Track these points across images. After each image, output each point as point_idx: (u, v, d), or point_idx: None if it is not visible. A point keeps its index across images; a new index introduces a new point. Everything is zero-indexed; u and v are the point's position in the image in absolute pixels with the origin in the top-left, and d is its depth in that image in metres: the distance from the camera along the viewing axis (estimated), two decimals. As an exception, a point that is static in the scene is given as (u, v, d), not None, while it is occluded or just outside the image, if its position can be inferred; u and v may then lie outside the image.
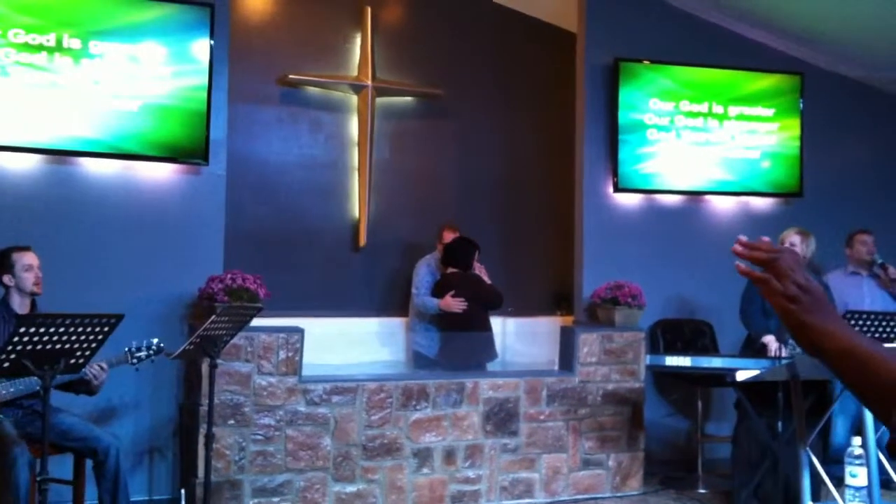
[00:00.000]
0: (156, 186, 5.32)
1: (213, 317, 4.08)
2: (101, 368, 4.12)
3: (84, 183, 5.17)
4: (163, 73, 5.24)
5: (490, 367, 6.15)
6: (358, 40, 6.81)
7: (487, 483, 5.34)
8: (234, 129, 5.92)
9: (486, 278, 6.16)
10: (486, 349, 6.14)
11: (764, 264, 1.20)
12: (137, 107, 5.18)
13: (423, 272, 6.25)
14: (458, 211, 7.12)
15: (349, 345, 6.50)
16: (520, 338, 7.03)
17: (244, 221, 6.31)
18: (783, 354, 4.93)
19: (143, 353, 4.32)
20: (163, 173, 5.33)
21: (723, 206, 6.79)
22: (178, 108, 5.26)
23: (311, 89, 6.71)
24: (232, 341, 4.48)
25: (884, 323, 4.70)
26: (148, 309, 5.08)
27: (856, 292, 5.86)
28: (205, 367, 4.47)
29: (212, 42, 5.34)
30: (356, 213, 6.78)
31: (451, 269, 6.05)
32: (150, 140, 5.21)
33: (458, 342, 6.05)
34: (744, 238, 1.22)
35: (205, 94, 5.30)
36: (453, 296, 5.91)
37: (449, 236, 6.24)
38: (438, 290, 6.03)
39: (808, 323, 1.16)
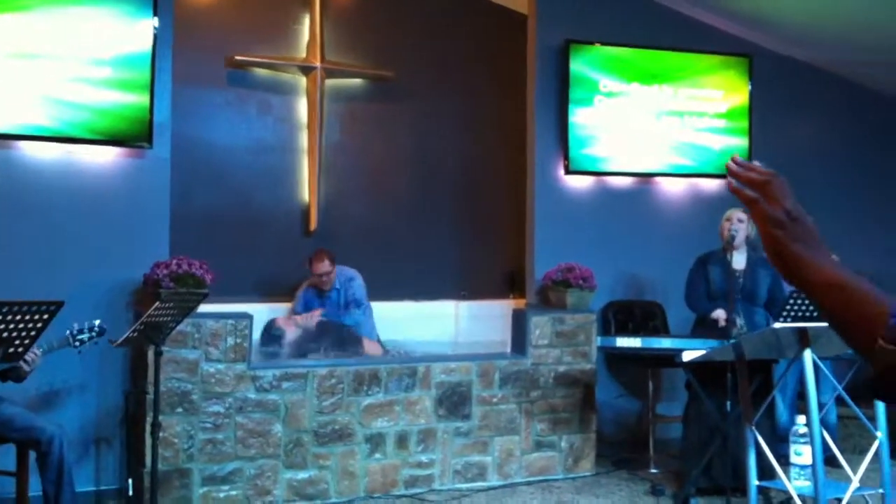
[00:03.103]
0: (99, 170, 5.19)
1: (157, 303, 4.00)
2: (36, 355, 3.98)
3: (24, 168, 5.03)
4: (105, 54, 5.10)
5: (443, 350, 6.13)
6: (307, 21, 6.71)
7: (440, 467, 5.34)
8: (180, 112, 5.80)
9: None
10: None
11: (755, 186, 1.17)
12: (78, 89, 5.05)
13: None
14: (411, 193, 7.09)
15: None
16: (473, 321, 7.02)
17: (191, 206, 6.20)
18: (737, 326, 4.99)
19: (84, 336, 4.21)
20: (106, 157, 5.20)
21: (672, 187, 6.83)
22: (120, 90, 5.13)
23: (260, 71, 6.60)
24: (179, 328, 4.41)
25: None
26: (92, 295, 4.97)
27: None
28: (150, 355, 4.38)
29: (155, 23, 5.21)
30: (306, 196, 6.70)
31: None
32: (92, 123, 5.07)
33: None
34: (738, 157, 1.21)
35: (148, 76, 5.17)
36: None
37: (318, 268, 6.15)
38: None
39: (793, 252, 1.14)
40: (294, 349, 5.82)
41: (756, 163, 1.20)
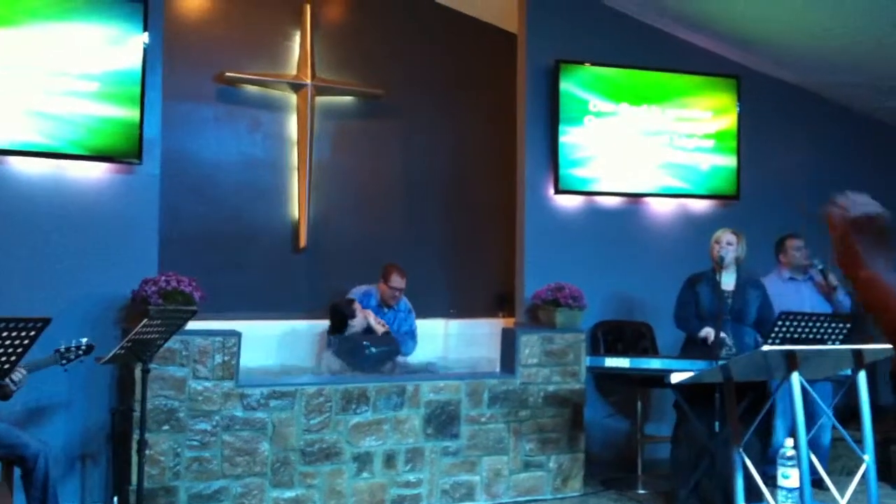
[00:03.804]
0: (88, 186, 5.17)
1: (144, 320, 3.98)
2: (23, 374, 3.95)
3: (14, 183, 5.00)
4: (94, 69, 5.09)
5: (433, 368, 6.11)
6: (297, 38, 6.72)
7: (428, 486, 5.31)
8: (170, 128, 5.80)
9: (373, 324, 6.03)
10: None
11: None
12: (68, 104, 5.03)
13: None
14: (400, 211, 7.08)
15: (289, 348, 6.42)
16: (462, 339, 7.01)
17: (180, 222, 6.18)
18: (726, 345, 5.01)
19: (72, 354, 4.22)
20: (95, 173, 5.19)
21: (662, 208, 6.85)
22: (109, 106, 5.11)
23: (250, 87, 6.60)
24: (167, 345, 4.38)
25: (819, 324, 4.77)
26: (80, 312, 4.95)
27: (796, 298, 5.86)
28: (137, 372, 4.35)
29: (145, 38, 5.21)
30: (296, 213, 6.69)
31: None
32: (82, 139, 5.06)
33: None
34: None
35: (138, 92, 5.17)
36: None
37: (396, 282, 6.19)
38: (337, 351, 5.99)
39: (853, 247, 1.48)
40: (358, 348, 5.82)
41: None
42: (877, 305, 1.45)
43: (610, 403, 6.58)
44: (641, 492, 5.79)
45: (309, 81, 6.64)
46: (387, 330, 6.04)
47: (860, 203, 1.54)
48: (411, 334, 6.32)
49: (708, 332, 5.20)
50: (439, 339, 6.92)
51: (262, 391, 4.95)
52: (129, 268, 5.08)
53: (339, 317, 5.92)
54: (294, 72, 6.69)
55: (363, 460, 5.15)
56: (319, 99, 6.73)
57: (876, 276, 1.45)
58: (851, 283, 1.49)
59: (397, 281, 6.19)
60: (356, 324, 5.92)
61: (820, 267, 5.91)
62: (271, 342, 6.34)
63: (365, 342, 5.86)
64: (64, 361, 4.20)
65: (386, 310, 6.26)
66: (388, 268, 6.26)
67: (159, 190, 5.33)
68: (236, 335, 4.94)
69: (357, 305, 6.03)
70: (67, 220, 5.09)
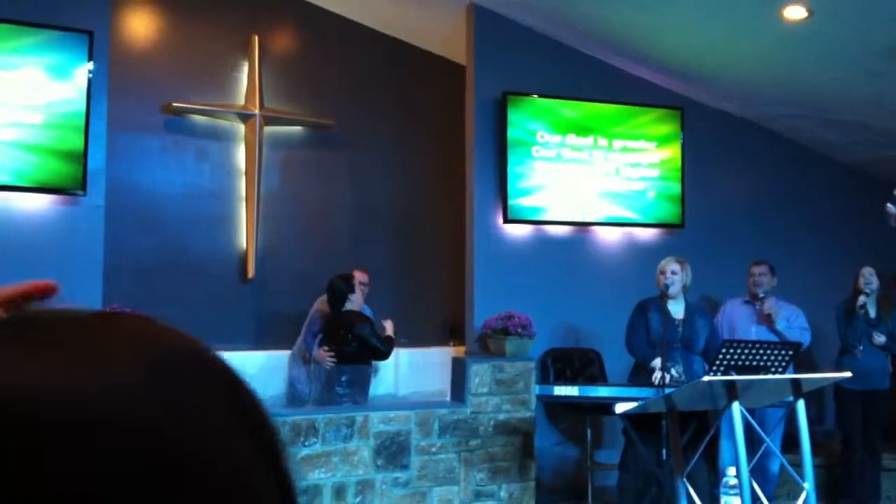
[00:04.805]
0: (30, 217, 5.09)
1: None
2: None
3: (-49, 214, 4.91)
4: (38, 100, 5.03)
5: (382, 399, 6.08)
6: (245, 68, 6.71)
7: (378, 518, 5.26)
8: (115, 159, 5.73)
9: (360, 305, 5.92)
10: (359, 388, 5.89)
11: None
12: (11, 135, 4.96)
13: (314, 315, 6.16)
14: (350, 242, 7.07)
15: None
16: (413, 369, 6.99)
17: (126, 254, 6.10)
18: (667, 381, 5.05)
19: None
20: (38, 204, 5.11)
21: (609, 236, 6.93)
22: (54, 137, 5.06)
23: (197, 117, 6.57)
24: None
25: (762, 351, 4.86)
26: (20, 346, 4.84)
27: (744, 321, 6.12)
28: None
29: (90, 69, 5.16)
30: (244, 243, 6.65)
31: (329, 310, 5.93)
32: (25, 170, 4.99)
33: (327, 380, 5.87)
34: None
35: (83, 122, 5.11)
36: (326, 343, 5.80)
37: (360, 277, 6.13)
38: (322, 333, 5.94)
39: None
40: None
41: None
42: None
43: (560, 431, 6.60)
44: (591, 520, 5.80)
45: (257, 111, 6.63)
46: (391, 334, 5.90)
47: None
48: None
49: (656, 375, 5.20)
50: (390, 368, 6.89)
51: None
52: (72, 300, 4.89)
53: (338, 292, 5.81)
54: (242, 102, 6.68)
55: (312, 493, 5.10)
56: (268, 129, 6.72)
57: None
58: None
59: (360, 276, 6.15)
60: (354, 299, 5.85)
61: (761, 295, 6.06)
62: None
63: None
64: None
65: None
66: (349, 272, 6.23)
67: (104, 221, 5.27)
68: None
69: (357, 280, 5.92)
70: (10, 252, 4.99)
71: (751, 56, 6.36)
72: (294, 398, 6.14)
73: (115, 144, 5.68)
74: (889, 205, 4.81)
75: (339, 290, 5.80)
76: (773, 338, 5.89)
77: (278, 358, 6.57)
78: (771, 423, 5.40)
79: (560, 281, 6.64)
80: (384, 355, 5.79)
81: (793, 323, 6.05)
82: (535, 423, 5.81)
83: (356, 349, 5.65)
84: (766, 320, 6.05)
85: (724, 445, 5.80)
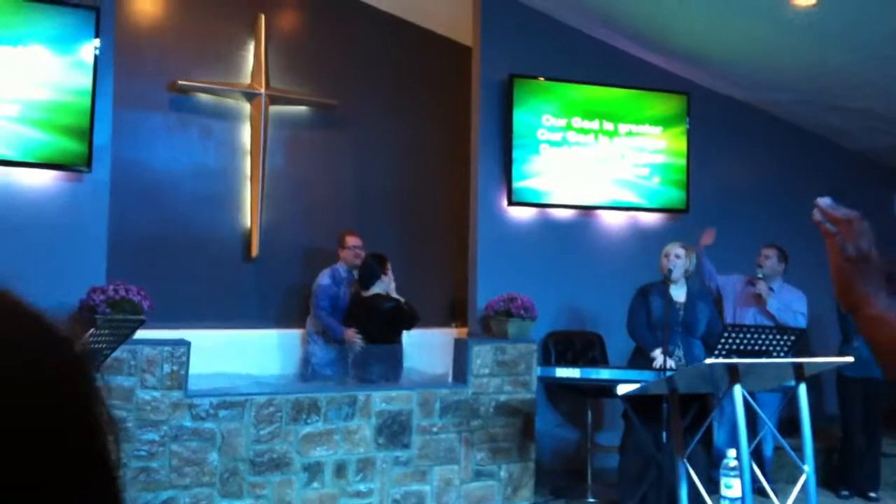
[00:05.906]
0: (36, 193, 5.11)
1: (91, 330, 3.94)
2: None
3: (-43, 188, 4.93)
4: (44, 77, 5.04)
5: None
6: (251, 48, 6.71)
7: (379, 496, 5.30)
8: (121, 136, 5.74)
9: (392, 292, 5.93)
10: (391, 366, 6.03)
11: (837, 223, 1.33)
12: (17, 111, 4.97)
13: (325, 285, 6.17)
14: (353, 221, 7.07)
15: (240, 357, 6.37)
16: (416, 350, 7.01)
17: (130, 230, 6.12)
18: (668, 366, 5.07)
19: None
20: (44, 180, 5.12)
21: (613, 220, 6.94)
22: (60, 113, 5.06)
23: (203, 96, 6.57)
24: (114, 354, 4.33)
25: (764, 335, 4.86)
26: (25, 321, 4.87)
27: (740, 301, 6.19)
28: (84, 382, 4.29)
29: (96, 45, 5.17)
30: (248, 222, 6.66)
31: (359, 290, 5.95)
32: (30, 146, 5.00)
33: (360, 360, 5.96)
34: (827, 199, 1.36)
35: (89, 99, 5.12)
36: (350, 324, 5.83)
37: (352, 241, 6.19)
38: (347, 313, 5.97)
39: (855, 285, 1.29)
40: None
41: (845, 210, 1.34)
42: (890, 348, 1.27)
43: (560, 413, 6.63)
44: (591, 501, 5.84)
45: (263, 91, 6.63)
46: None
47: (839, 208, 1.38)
48: None
49: (657, 353, 5.25)
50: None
51: (212, 401, 4.91)
52: (76, 276, 5.02)
53: (369, 270, 5.85)
54: (248, 81, 6.67)
55: (313, 470, 5.13)
56: (273, 108, 6.72)
57: (884, 315, 1.28)
58: (854, 318, 1.33)
59: (353, 240, 6.20)
60: (385, 280, 5.86)
61: (760, 276, 6.08)
62: (221, 351, 6.29)
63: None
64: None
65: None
66: (340, 234, 6.32)
67: (109, 198, 5.28)
68: (185, 344, 4.90)
69: (349, 244, 6.12)
70: (15, 227, 5.02)
71: (757, 41, 6.34)
72: (313, 374, 6.18)
73: (121, 122, 5.69)
74: None
75: (371, 268, 5.87)
76: (766, 320, 5.92)
77: (284, 336, 6.61)
78: (766, 408, 5.43)
79: (563, 264, 6.65)
80: (416, 318, 5.91)
81: (792, 307, 6.06)
82: (535, 405, 5.83)
83: (384, 328, 5.79)
84: (757, 300, 6.08)
85: (718, 428, 5.84)
